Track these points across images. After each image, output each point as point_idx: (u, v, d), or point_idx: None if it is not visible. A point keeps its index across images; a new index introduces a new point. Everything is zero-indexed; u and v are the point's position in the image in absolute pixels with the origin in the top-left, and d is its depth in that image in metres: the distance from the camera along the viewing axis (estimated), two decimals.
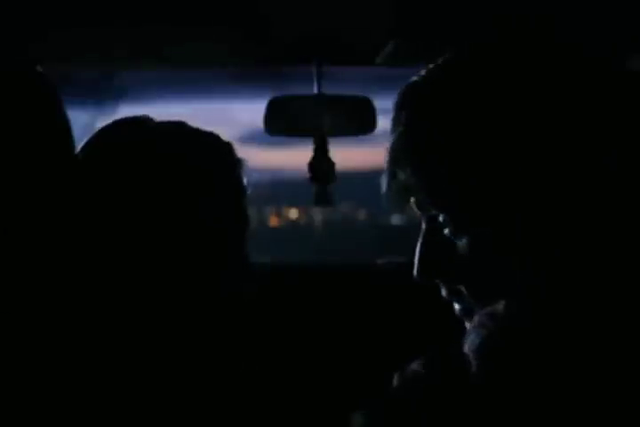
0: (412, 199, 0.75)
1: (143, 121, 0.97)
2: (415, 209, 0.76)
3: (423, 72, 0.74)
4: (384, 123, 1.80)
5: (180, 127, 0.97)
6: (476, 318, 0.71)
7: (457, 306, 0.77)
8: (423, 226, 0.76)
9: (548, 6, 1.08)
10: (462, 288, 0.74)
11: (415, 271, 0.76)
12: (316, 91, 1.78)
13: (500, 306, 0.66)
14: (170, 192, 0.90)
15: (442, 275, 0.75)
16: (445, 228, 0.73)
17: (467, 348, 0.70)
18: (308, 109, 1.77)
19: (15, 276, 0.84)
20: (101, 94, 2.10)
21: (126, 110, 2.25)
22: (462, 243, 0.72)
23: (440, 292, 0.78)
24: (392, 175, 0.75)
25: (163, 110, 2.29)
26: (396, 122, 0.74)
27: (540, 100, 0.67)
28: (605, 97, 0.68)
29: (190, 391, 0.90)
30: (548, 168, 0.66)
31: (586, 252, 0.66)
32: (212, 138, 0.98)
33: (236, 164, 0.97)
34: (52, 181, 0.88)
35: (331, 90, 1.77)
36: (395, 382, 0.71)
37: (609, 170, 0.66)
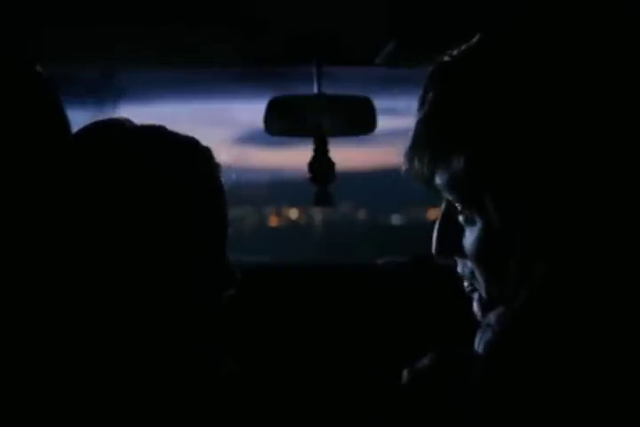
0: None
1: (120, 123, 0.97)
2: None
3: (451, 54, 0.75)
4: (384, 123, 1.81)
5: (156, 130, 0.96)
6: (490, 316, 0.71)
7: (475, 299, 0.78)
8: (443, 206, 0.79)
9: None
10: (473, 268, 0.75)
11: (434, 250, 0.80)
12: (316, 91, 1.78)
13: (512, 305, 0.66)
14: (137, 195, 0.89)
15: (458, 252, 0.77)
16: (460, 214, 0.75)
17: (477, 344, 0.70)
18: (308, 109, 1.77)
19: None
20: (101, 94, 2.10)
21: (126, 110, 2.25)
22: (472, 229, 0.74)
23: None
24: (411, 162, 0.76)
25: (162, 110, 2.29)
26: (422, 102, 0.75)
27: (566, 90, 0.67)
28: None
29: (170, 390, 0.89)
30: (564, 162, 0.66)
31: (592, 243, 0.66)
32: (189, 141, 0.97)
33: (213, 168, 0.97)
34: (50, 181, 0.88)
35: (331, 90, 1.77)
36: (404, 377, 0.72)
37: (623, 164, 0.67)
